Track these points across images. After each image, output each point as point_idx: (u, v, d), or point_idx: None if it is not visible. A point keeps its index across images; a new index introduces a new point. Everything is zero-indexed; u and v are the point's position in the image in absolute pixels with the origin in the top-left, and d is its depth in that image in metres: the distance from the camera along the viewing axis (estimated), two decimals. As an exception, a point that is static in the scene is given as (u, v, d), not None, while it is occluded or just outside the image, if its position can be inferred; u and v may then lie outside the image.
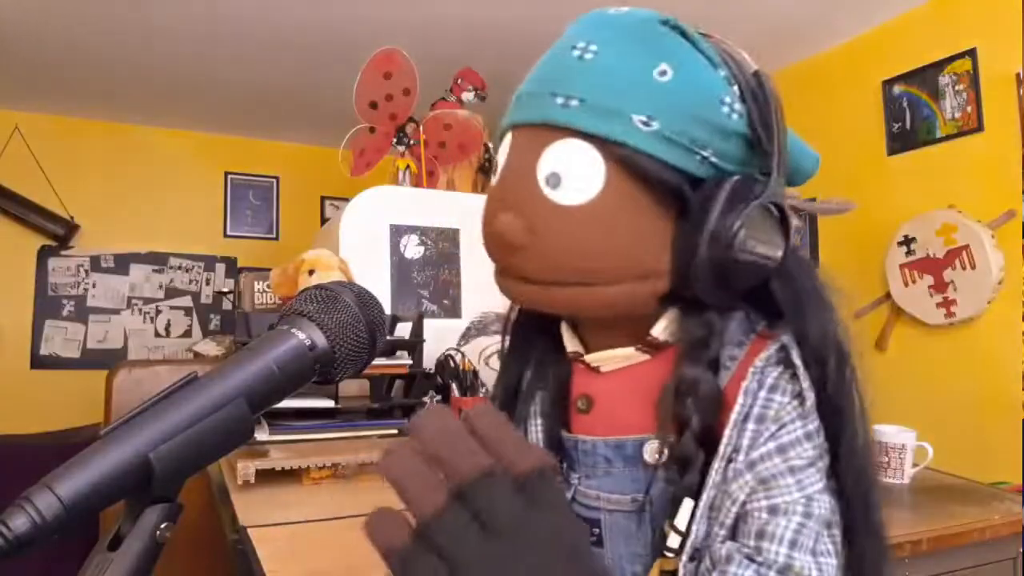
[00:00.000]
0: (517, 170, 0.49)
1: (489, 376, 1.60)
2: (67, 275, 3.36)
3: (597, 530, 0.53)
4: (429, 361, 1.63)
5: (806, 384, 0.47)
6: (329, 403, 1.39)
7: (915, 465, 1.30)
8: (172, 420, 0.35)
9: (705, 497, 0.47)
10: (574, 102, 0.46)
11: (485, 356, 1.67)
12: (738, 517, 0.46)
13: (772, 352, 0.48)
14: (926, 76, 2.31)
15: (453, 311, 1.94)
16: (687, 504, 0.47)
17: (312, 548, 0.94)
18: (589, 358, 0.54)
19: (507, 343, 0.61)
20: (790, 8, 2.34)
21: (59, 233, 3.28)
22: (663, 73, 0.46)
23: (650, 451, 0.50)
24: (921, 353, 2.31)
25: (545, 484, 0.28)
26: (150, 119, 3.43)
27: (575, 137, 0.46)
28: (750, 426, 0.47)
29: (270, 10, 2.30)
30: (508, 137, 0.51)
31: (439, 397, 1.67)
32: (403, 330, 1.55)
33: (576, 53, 0.47)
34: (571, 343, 0.56)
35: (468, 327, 1.78)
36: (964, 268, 2.12)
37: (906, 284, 2.29)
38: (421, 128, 2.07)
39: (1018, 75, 2.05)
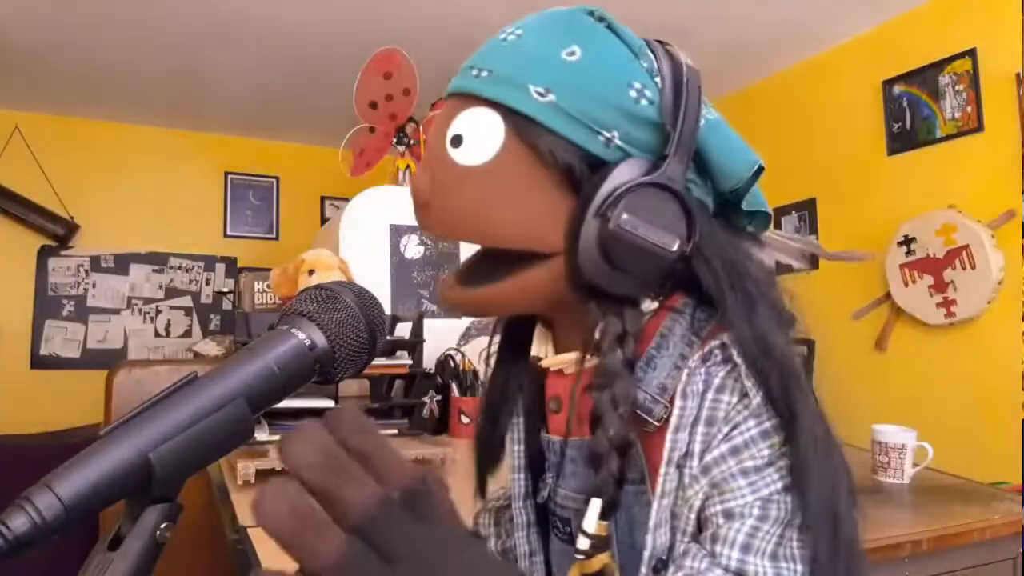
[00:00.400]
0: (434, 134, 0.53)
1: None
2: (67, 275, 3.36)
3: (570, 529, 0.55)
4: (429, 361, 1.63)
5: (749, 383, 0.45)
6: (329, 403, 1.39)
7: (915, 465, 1.30)
8: (172, 420, 0.35)
9: (657, 505, 0.46)
10: (484, 73, 0.50)
11: (485, 356, 1.67)
12: (698, 524, 0.46)
13: (710, 350, 0.47)
14: (926, 76, 2.31)
15: (453, 311, 1.94)
16: (595, 504, 0.46)
17: (312, 548, 0.94)
18: (544, 362, 0.56)
19: (495, 343, 0.63)
20: (790, 8, 2.34)
21: (59, 233, 3.28)
22: (571, 54, 0.48)
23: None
24: (921, 353, 2.31)
25: (428, 498, 0.28)
26: (150, 119, 3.43)
27: (481, 105, 0.49)
28: (700, 429, 0.46)
29: (270, 10, 2.30)
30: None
31: (439, 397, 1.68)
32: (403, 330, 1.55)
33: (502, 36, 0.51)
34: (537, 347, 0.58)
35: (468, 327, 1.79)
36: (964, 268, 2.12)
37: (906, 284, 2.29)
38: (421, 128, 2.07)
39: (1018, 75, 2.05)
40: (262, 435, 1.31)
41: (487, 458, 0.61)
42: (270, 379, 0.39)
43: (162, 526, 0.34)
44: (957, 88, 2.23)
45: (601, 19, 0.51)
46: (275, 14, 2.33)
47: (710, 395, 0.46)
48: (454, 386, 1.67)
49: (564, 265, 0.48)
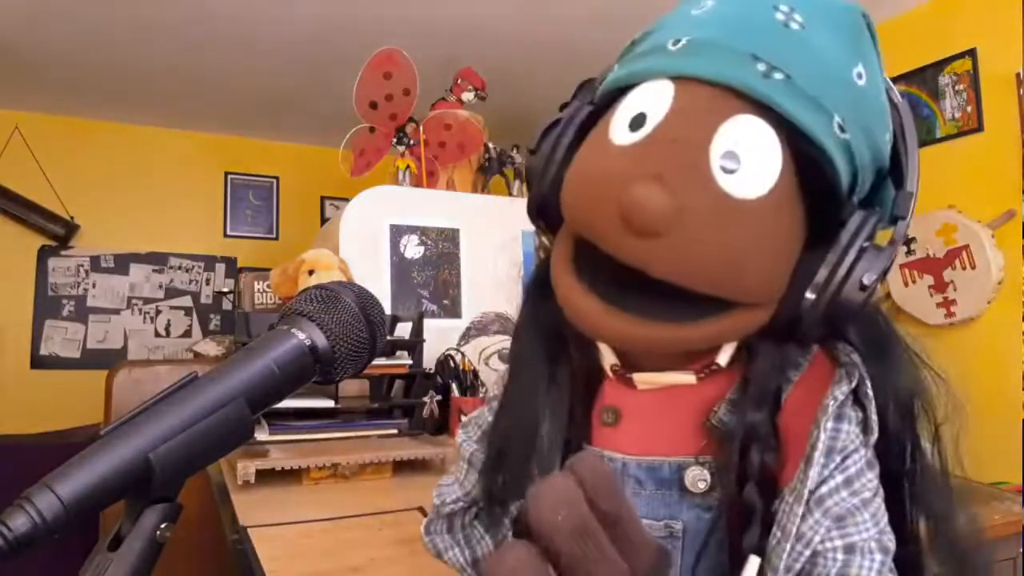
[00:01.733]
0: (683, 138, 0.39)
1: (489, 376, 1.60)
2: (67, 275, 3.36)
3: None
4: (429, 361, 1.63)
5: (873, 415, 0.42)
6: (329, 403, 1.39)
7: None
8: (172, 420, 0.35)
9: (779, 550, 0.41)
10: (778, 75, 0.38)
11: (485, 356, 1.67)
12: (808, 559, 0.42)
13: (847, 387, 0.43)
14: (926, 76, 2.31)
15: (453, 311, 1.94)
16: (753, 562, 0.41)
17: (312, 548, 0.94)
18: (639, 379, 0.48)
19: (524, 341, 0.53)
20: (790, 8, 2.33)
21: (59, 233, 3.28)
22: (860, 76, 0.40)
23: (692, 478, 0.45)
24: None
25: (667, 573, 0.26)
26: (150, 119, 3.43)
27: (763, 117, 0.38)
28: (819, 460, 0.42)
29: (270, 10, 2.30)
30: (668, 88, 0.40)
31: (439, 397, 1.67)
32: (403, 330, 1.55)
33: (780, 17, 0.39)
34: (609, 356, 0.49)
35: (468, 327, 1.79)
36: (964, 268, 2.12)
37: (906, 284, 2.29)
38: (421, 128, 2.07)
39: (1018, 75, 2.05)
40: (262, 435, 1.30)
41: (519, 476, 0.50)
42: (270, 379, 0.39)
43: (162, 526, 0.34)
44: (957, 88, 2.23)
45: (870, 27, 0.42)
46: (275, 14, 2.33)
47: (830, 424, 0.42)
48: (454, 386, 1.67)
49: (781, 310, 0.42)
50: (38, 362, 3.28)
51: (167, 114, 3.36)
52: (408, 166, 2.09)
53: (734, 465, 0.43)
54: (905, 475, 0.44)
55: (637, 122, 0.40)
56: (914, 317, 2.29)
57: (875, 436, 0.43)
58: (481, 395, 1.55)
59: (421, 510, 1.07)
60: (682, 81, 0.40)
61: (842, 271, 0.40)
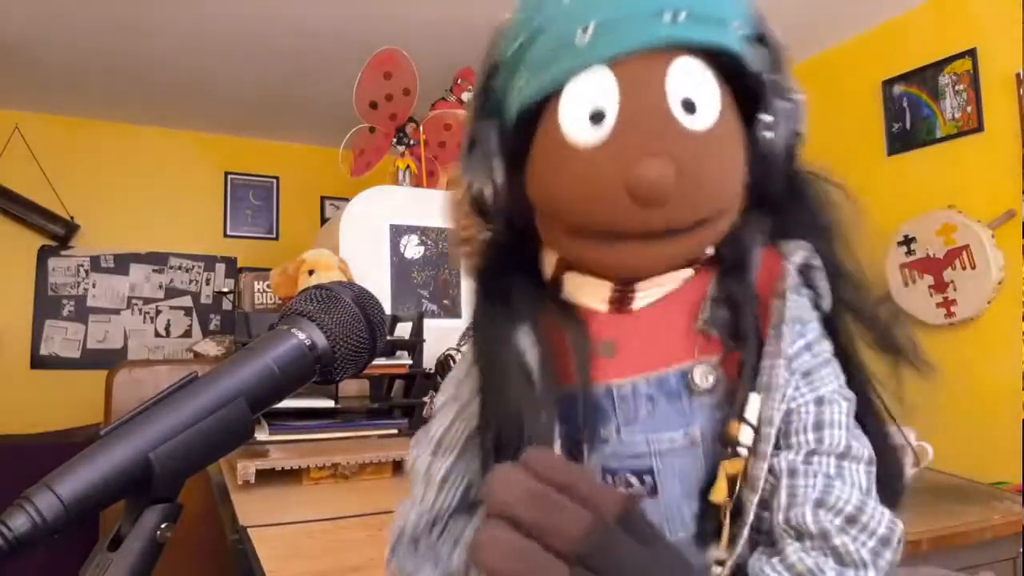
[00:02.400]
0: (647, 106, 0.42)
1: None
2: (67, 275, 3.36)
3: (649, 478, 0.48)
4: (429, 361, 1.63)
5: (825, 287, 0.48)
6: (329, 403, 1.39)
7: (915, 465, 1.29)
8: (172, 420, 0.35)
9: (780, 394, 0.46)
10: (682, 15, 0.42)
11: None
12: (783, 417, 0.46)
13: (801, 259, 0.49)
14: (926, 76, 2.31)
15: (453, 311, 1.94)
16: (754, 399, 0.46)
17: (312, 548, 0.94)
18: (640, 287, 0.49)
19: (483, 306, 0.54)
20: (790, 8, 2.34)
21: (59, 233, 3.28)
22: None
23: (700, 375, 0.48)
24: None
25: (641, 518, 0.27)
26: (150, 119, 3.43)
27: (688, 55, 0.43)
28: (790, 325, 0.47)
29: (270, 10, 2.30)
30: (606, 76, 0.43)
31: (435, 393, 1.67)
32: (403, 330, 1.55)
33: None
34: (593, 286, 0.50)
35: (468, 327, 1.78)
36: (964, 268, 2.12)
37: (906, 284, 2.29)
38: (421, 128, 2.07)
39: (1018, 75, 2.05)
40: (262, 435, 1.31)
41: (510, 441, 0.49)
42: (270, 379, 0.39)
43: (162, 526, 0.34)
44: (957, 88, 2.23)
45: None
46: (275, 14, 2.33)
47: (791, 294, 0.48)
48: (454, 386, 1.67)
49: (750, 196, 0.48)
50: (38, 362, 3.28)
51: (167, 114, 3.36)
52: (408, 166, 2.09)
53: (731, 350, 0.47)
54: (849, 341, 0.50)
55: (597, 117, 0.43)
56: (914, 317, 2.29)
57: (826, 304, 0.49)
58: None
59: (421, 510, 1.07)
60: (615, 64, 0.43)
61: (781, 133, 0.47)
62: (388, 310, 1.73)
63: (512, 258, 0.54)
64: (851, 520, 0.43)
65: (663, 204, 0.42)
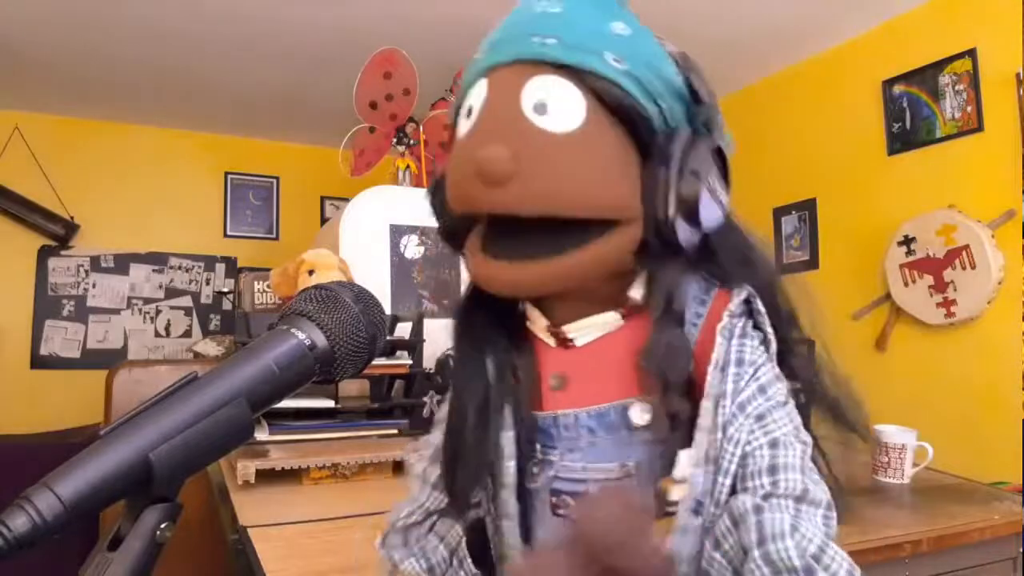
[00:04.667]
0: (500, 104, 0.49)
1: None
2: (67, 275, 3.36)
3: None
4: (429, 361, 1.63)
5: (770, 331, 0.50)
6: (329, 403, 1.39)
7: (915, 465, 1.30)
8: (172, 420, 0.35)
9: (699, 441, 0.47)
10: (550, 40, 0.48)
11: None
12: (739, 462, 0.47)
13: (740, 301, 0.50)
14: (926, 76, 2.31)
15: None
16: (684, 455, 0.48)
17: (312, 548, 0.94)
18: (569, 329, 0.54)
19: (459, 336, 0.60)
20: (790, 8, 2.34)
21: (59, 233, 3.28)
22: (623, 29, 0.50)
23: (637, 413, 0.51)
24: (921, 353, 2.31)
25: None
26: (150, 119, 3.43)
27: (553, 72, 0.48)
28: (731, 370, 0.48)
29: (270, 10, 2.30)
30: (483, 82, 0.51)
31: (439, 397, 1.67)
32: (403, 330, 1.55)
33: (541, 8, 0.50)
34: (539, 320, 0.56)
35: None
36: (964, 268, 2.12)
37: (906, 284, 2.29)
38: (421, 128, 2.07)
39: (1018, 75, 2.05)
40: (262, 435, 1.31)
41: (475, 468, 0.56)
42: (270, 379, 0.39)
43: (162, 526, 0.34)
44: (957, 88, 2.23)
45: (623, 4, 0.53)
46: (275, 14, 2.33)
47: (735, 340, 0.49)
48: (454, 386, 1.67)
49: (645, 229, 0.49)
50: (38, 362, 3.28)
51: (167, 114, 3.36)
52: (408, 166, 2.09)
53: (664, 392, 0.49)
54: (800, 378, 0.53)
55: (469, 112, 0.51)
56: (914, 317, 2.29)
57: (773, 347, 0.50)
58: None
59: (421, 510, 1.07)
60: (490, 72, 0.50)
61: (674, 168, 0.48)
62: (388, 310, 1.73)
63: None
64: (816, 559, 0.43)
65: (501, 183, 0.46)
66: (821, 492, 0.46)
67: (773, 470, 0.46)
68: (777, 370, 0.50)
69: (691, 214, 0.48)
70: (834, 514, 0.46)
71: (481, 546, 0.59)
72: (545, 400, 0.56)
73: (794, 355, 0.53)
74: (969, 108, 2.19)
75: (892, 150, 2.43)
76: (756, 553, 0.43)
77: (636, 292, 0.52)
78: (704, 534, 0.47)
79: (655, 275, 0.51)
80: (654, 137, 0.49)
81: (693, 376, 0.49)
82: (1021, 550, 1.15)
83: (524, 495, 0.57)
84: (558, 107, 0.47)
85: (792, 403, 0.50)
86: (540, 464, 0.56)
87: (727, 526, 0.46)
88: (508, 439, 0.56)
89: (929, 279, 2.22)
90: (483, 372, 0.57)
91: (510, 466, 0.56)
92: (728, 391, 0.48)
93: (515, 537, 0.56)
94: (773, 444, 0.47)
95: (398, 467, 1.32)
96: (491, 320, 0.58)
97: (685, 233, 0.49)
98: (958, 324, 2.18)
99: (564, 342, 0.55)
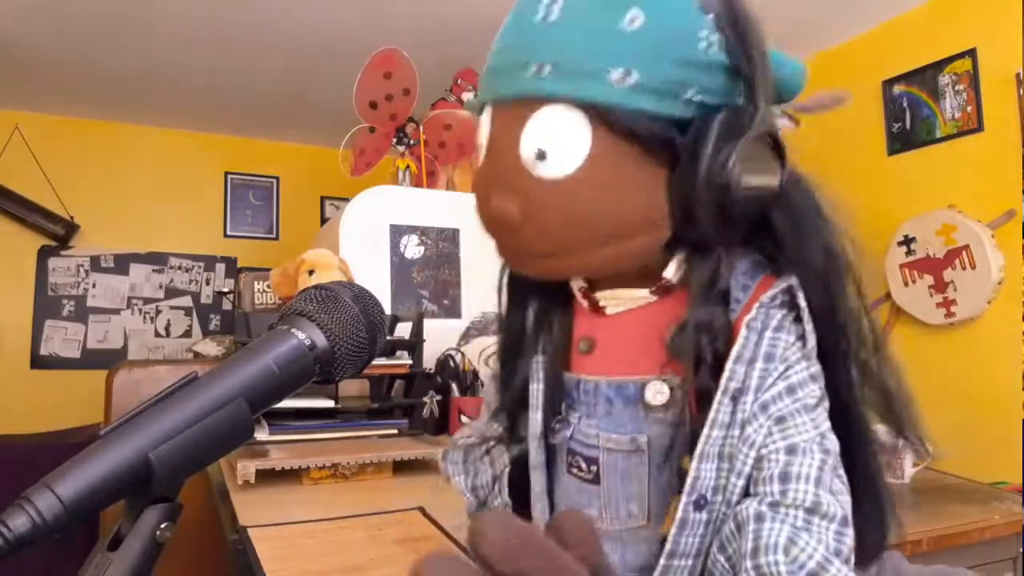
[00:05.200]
0: (501, 149, 0.48)
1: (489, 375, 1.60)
2: (67, 275, 3.36)
3: (595, 467, 0.54)
4: (429, 361, 1.63)
5: (809, 327, 0.47)
6: (329, 403, 1.39)
7: (915, 465, 1.30)
8: (172, 420, 0.35)
9: (707, 435, 0.46)
10: (547, 69, 0.44)
11: (485, 356, 1.67)
12: (753, 464, 0.46)
13: (778, 292, 0.48)
14: (926, 76, 2.31)
15: (453, 311, 1.94)
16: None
17: (312, 548, 0.94)
18: (600, 296, 0.54)
19: (504, 293, 0.61)
20: (789, 8, 2.34)
21: (59, 233, 3.28)
22: (633, 21, 0.44)
23: (652, 392, 0.50)
24: (921, 353, 2.31)
25: None
26: (150, 119, 3.43)
27: (555, 104, 0.45)
28: (759, 365, 0.46)
29: (270, 10, 2.30)
30: (487, 112, 0.50)
31: (439, 397, 1.67)
32: (403, 330, 1.55)
33: (539, 16, 0.46)
34: (577, 282, 0.56)
35: (468, 327, 1.79)
36: (964, 268, 2.12)
37: (906, 284, 2.29)
38: (421, 128, 2.07)
39: (1018, 75, 2.05)
40: (262, 435, 1.30)
41: (511, 398, 0.60)
42: (270, 379, 0.39)
43: (162, 526, 0.34)
44: (957, 88, 2.23)
45: None
46: (275, 14, 2.33)
47: (768, 334, 0.47)
48: (454, 386, 1.67)
49: (672, 230, 0.47)
50: (38, 362, 3.28)
51: (167, 114, 3.36)
52: (408, 166, 2.09)
53: (690, 377, 0.47)
54: (843, 380, 0.49)
55: (480, 148, 0.51)
56: (914, 317, 2.29)
57: (811, 345, 0.47)
58: (481, 394, 1.55)
59: (421, 510, 1.07)
60: (493, 106, 0.49)
61: (702, 174, 0.44)
62: (388, 310, 1.73)
63: None
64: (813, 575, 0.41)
65: (510, 232, 0.48)
66: (837, 506, 0.44)
67: (785, 478, 0.44)
68: (815, 368, 0.48)
69: (722, 216, 0.46)
70: (849, 530, 0.44)
71: (520, 480, 0.60)
72: (574, 361, 0.57)
73: (846, 355, 0.49)
74: (969, 108, 2.19)
75: (892, 150, 2.43)
76: (748, 563, 0.42)
77: (672, 272, 0.51)
78: (713, 531, 0.46)
79: (692, 260, 0.50)
80: (679, 133, 0.46)
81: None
82: (1021, 550, 1.15)
83: (549, 447, 0.58)
84: (558, 151, 0.45)
85: (824, 406, 0.47)
86: (561, 422, 0.57)
87: (732, 530, 0.45)
88: (538, 391, 0.57)
89: (929, 279, 2.22)
90: (524, 319, 0.59)
91: (536, 418, 0.57)
92: (751, 387, 0.46)
93: (540, 486, 0.58)
94: (790, 450, 0.45)
95: (398, 467, 1.32)
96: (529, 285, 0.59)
97: (718, 233, 0.47)
98: (958, 324, 2.18)
99: (596, 307, 0.55)
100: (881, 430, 1.35)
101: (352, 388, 1.61)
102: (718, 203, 0.45)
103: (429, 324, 1.58)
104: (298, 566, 0.88)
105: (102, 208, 3.41)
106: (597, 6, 0.45)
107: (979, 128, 2.16)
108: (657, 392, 0.50)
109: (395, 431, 1.45)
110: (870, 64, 2.50)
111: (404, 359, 1.50)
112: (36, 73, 2.81)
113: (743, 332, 0.47)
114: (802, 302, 0.47)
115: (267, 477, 1.21)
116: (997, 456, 1.98)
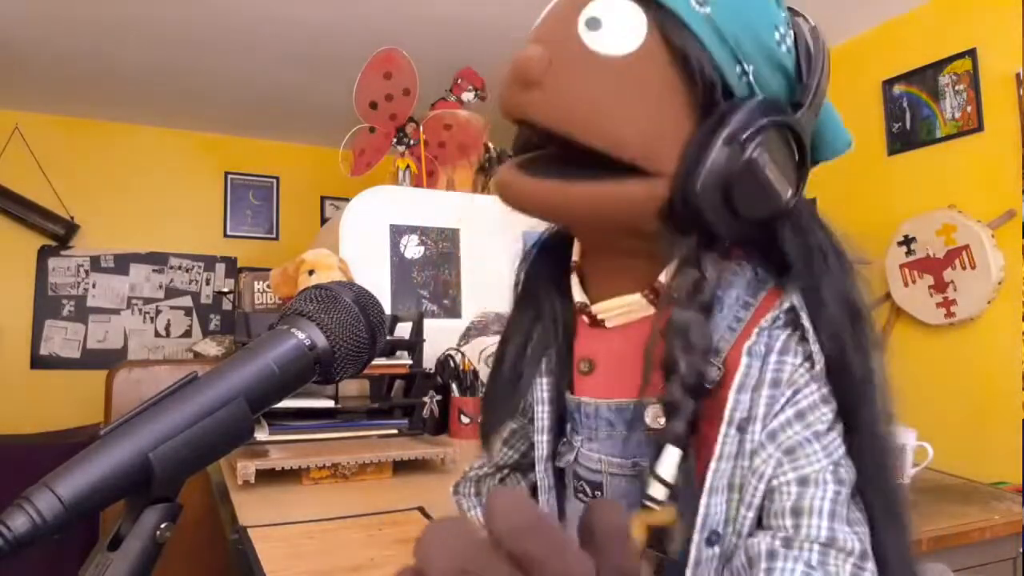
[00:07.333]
0: (559, 11, 0.46)
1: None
2: (67, 275, 3.36)
3: (599, 493, 0.53)
4: (429, 361, 1.63)
5: (815, 347, 0.44)
6: (329, 403, 1.39)
7: (915, 465, 1.30)
8: (172, 420, 0.35)
9: (714, 469, 0.44)
10: None
11: (485, 356, 1.67)
12: (764, 496, 0.44)
13: (780, 313, 0.46)
14: (926, 76, 2.31)
15: (453, 311, 1.94)
16: (671, 452, 0.43)
17: (312, 548, 0.94)
18: (596, 308, 0.52)
19: (516, 299, 0.59)
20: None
21: (59, 233, 3.28)
22: None
23: (652, 415, 0.48)
24: (921, 353, 2.31)
25: None
26: (150, 119, 3.43)
27: None
28: (764, 392, 0.44)
29: (270, 10, 2.30)
30: None
31: (439, 397, 1.68)
32: (403, 330, 1.55)
33: None
34: (578, 294, 0.54)
35: (468, 327, 1.79)
36: (964, 268, 2.12)
37: (906, 284, 2.29)
38: (421, 128, 2.07)
39: (1018, 75, 2.05)
40: (262, 435, 1.30)
41: (500, 415, 0.59)
42: (270, 379, 0.39)
43: (162, 526, 0.34)
44: (957, 88, 2.23)
45: None
46: (275, 14, 2.33)
47: (773, 357, 0.45)
48: (454, 386, 1.67)
49: (671, 189, 0.44)
50: (38, 362, 3.27)
51: (167, 114, 3.36)
52: (408, 166, 2.09)
53: (678, 397, 0.44)
54: (853, 405, 0.46)
55: (539, 17, 0.49)
56: (914, 317, 2.29)
57: (820, 366, 0.44)
58: (481, 394, 1.55)
59: (421, 510, 1.07)
60: None
61: (722, 134, 0.42)
62: (388, 310, 1.73)
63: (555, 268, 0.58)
64: None
65: (529, 85, 0.44)
66: (854, 539, 0.42)
67: (797, 512, 0.42)
68: (824, 391, 0.45)
69: (727, 191, 0.43)
70: (869, 565, 0.42)
71: None
72: (575, 383, 0.55)
73: (856, 380, 0.45)
74: (969, 108, 2.19)
75: (892, 150, 2.43)
76: None
77: (664, 278, 0.49)
78: (725, 563, 0.44)
79: (682, 268, 0.47)
80: (722, 97, 0.44)
81: (719, 388, 0.45)
82: (1021, 550, 1.15)
83: (557, 471, 0.58)
84: (612, 27, 0.44)
85: (837, 431, 0.44)
86: (566, 445, 0.56)
87: (743, 563, 0.43)
88: (544, 413, 0.57)
89: (929, 279, 2.22)
90: (528, 333, 0.57)
91: (542, 440, 0.57)
92: (759, 415, 0.44)
93: (552, 509, 0.57)
94: (802, 482, 0.43)
95: (398, 467, 1.32)
96: (547, 290, 0.57)
97: (715, 215, 0.44)
98: (958, 324, 2.18)
99: (595, 321, 0.53)
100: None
101: (352, 388, 1.61)
102: (725, 175, 0.43)
103: (429, 324, 1.58)
104: (298, 566, 0.87)
105: (102, 208, 3.41)
106: None
107: (979, 128, 2.16)
108: (657, 416, 0.47)
109: (395, 431, 1.45)
110: (870, 64, 2.50)
111: (404, 359, 1.50)
112: (36, 73, 2.81)
113: (744, 360, 0.44)
114: (806, 322, 0.45)
115: (267, 477, 1.21)
116: (997, 456, 1.98)
